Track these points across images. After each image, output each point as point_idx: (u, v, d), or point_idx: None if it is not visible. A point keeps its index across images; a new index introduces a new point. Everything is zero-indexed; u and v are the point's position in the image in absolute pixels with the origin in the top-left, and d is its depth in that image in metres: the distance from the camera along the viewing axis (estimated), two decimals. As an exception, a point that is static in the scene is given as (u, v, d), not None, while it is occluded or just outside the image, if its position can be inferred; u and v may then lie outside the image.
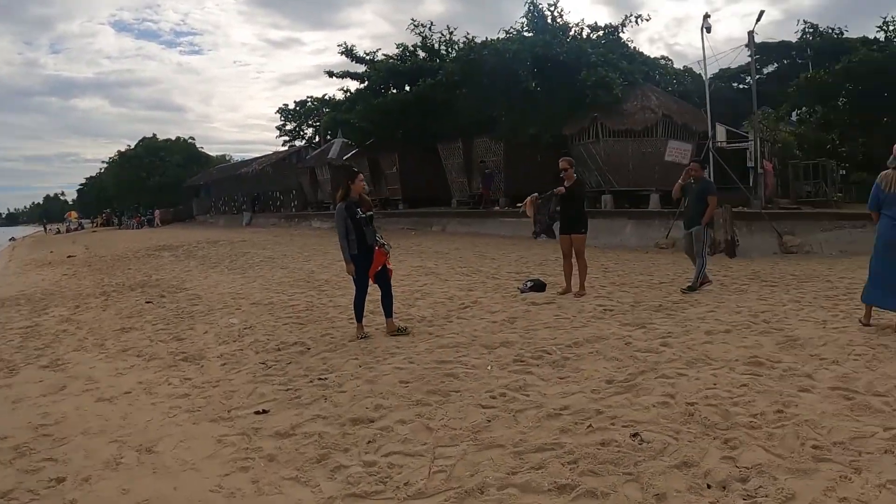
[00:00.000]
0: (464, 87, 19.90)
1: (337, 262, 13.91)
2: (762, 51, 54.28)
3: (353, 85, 26.58)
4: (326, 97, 42.41)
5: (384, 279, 6.95)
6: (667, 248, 16.18)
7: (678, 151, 18.96)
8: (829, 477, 3.51)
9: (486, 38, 21.10)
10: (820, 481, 3.47)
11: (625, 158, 18.94)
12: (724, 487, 3.40)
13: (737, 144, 22.32)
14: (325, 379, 5.33)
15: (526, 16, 19.59)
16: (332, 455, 3.86)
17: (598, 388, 5.00)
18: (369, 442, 4.01)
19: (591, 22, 21.07)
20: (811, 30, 18.13)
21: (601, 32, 19.66)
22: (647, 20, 24.11)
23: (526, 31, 19.63)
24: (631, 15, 20.98)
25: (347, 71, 26.18)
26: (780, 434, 4.10)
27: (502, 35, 20.18)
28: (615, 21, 19.75)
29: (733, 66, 48.58)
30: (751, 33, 17.11)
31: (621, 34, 19.64)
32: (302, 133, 52.93)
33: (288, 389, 5.14)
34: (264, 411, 4.64)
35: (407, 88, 23.30)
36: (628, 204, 19.75)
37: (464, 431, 4.14)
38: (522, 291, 9.22)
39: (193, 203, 55.05)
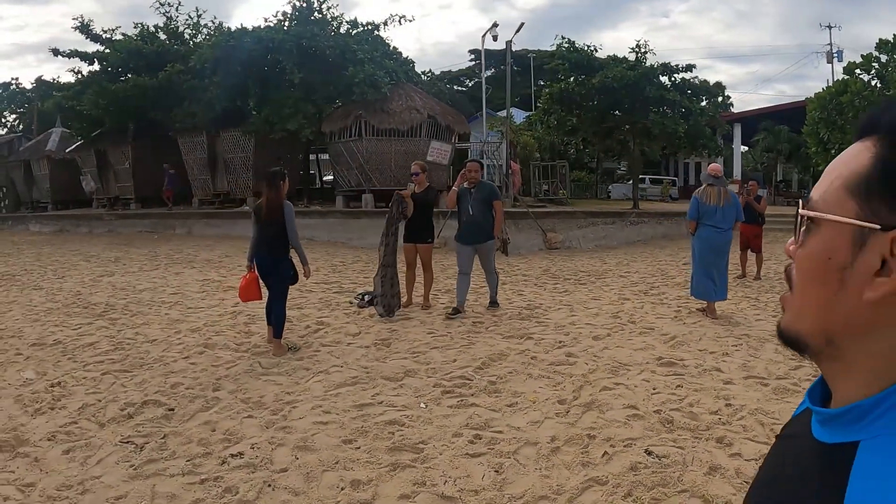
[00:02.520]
0: (216, 75, 17.86)
1: (102, 278, 11.28)
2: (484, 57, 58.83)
3: (84, 67, 22.31)
4: (45, 79, 35.70)
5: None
6: (438, 247, 16.42)
7: (439, 152, 19.38)
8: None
9: (241, 24, 19.27)
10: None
11: (387, 157, 18.80)
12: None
13: (463, 145, 23.72)
14: (241, 455, 3.95)
15: (291, 3, 18.27)
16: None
17: (560, 410, 4.69)
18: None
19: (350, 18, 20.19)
20: (568, 44, 19.80)
21: (361, 29, 19.12)
22: (411, 21, 23.11)
23: (290, 20, 18.30)
24: (395, 14, 20.79)
25: (76, 50, 21.80)
26: (749, 425, 4.33)
27: (262, 23, 18.60)
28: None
29: (454, 70, 51.81)
30: (509, 42, 18.12)
31: (381, 32, 19.38)
32: (2, 120, 44.24)
33: (203, 481, 3.62)
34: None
35: (146, 74, 20.29)
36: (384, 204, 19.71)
37: (490, 493, 3.46)
38: (360, 306, 8.40)
39: None
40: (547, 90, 21.26)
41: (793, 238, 0.74)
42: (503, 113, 36.50)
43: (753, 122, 34.82)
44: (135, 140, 22.28)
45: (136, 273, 11.80)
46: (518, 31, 18.88)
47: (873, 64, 19.37)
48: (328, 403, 4.86)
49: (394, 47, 19.52)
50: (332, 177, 29.42)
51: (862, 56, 20.03)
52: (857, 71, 20.01)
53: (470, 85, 53.18)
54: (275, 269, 6.39)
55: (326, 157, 27.37)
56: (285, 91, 18.07)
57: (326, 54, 17.45)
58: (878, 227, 0.64)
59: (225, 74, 17.54)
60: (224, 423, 4.50)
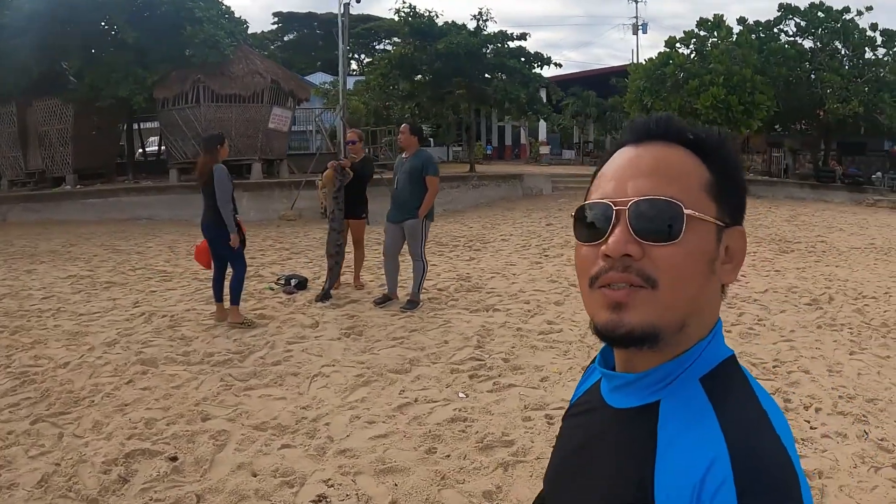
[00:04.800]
0: (29, 34, 15.02)
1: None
2: (287, 20, 56.15)
3: None
4: None
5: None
6: (295, 220, 15.81)
7: (280, 119, 18.38)
8: None
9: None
10: None
11: (227, 125, 17.35)
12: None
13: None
14: (326, 499, 3.26)
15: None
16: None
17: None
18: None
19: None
20: (409, 9, 19.51)
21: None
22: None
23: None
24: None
25: None
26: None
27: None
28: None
29: (258, 33, 49.13)
30: (346, 5, 17.45)
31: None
32: None
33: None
34: None
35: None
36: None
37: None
38: (288, 293, 7.76)
39: None
40: (383, 56, 20.95)
41: (624, 236, 0.73)
42: (313, 77, 35.42)
43: (560, 86, 37.12)
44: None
45: (-31, 276, 9.72)
46: (358, -1, 18.26)
47: (693, 40, 21.60)
48: (363, 412, 4.35)
49: (227, 6, 17.88)
50: (153, 147, 26.66)
51: (684, 32, 22.46)
52: (677, 45, 22.18)
53: (272, 48, 50.64)
54: (219, 236, 6.15)
55: (149, 125, 24.74)
56: (114, 53, 15.82)
57: (162, 11, 15.53)
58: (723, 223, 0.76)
59: (41, 33, 14.83)
60: (261, 461, 3.62)
